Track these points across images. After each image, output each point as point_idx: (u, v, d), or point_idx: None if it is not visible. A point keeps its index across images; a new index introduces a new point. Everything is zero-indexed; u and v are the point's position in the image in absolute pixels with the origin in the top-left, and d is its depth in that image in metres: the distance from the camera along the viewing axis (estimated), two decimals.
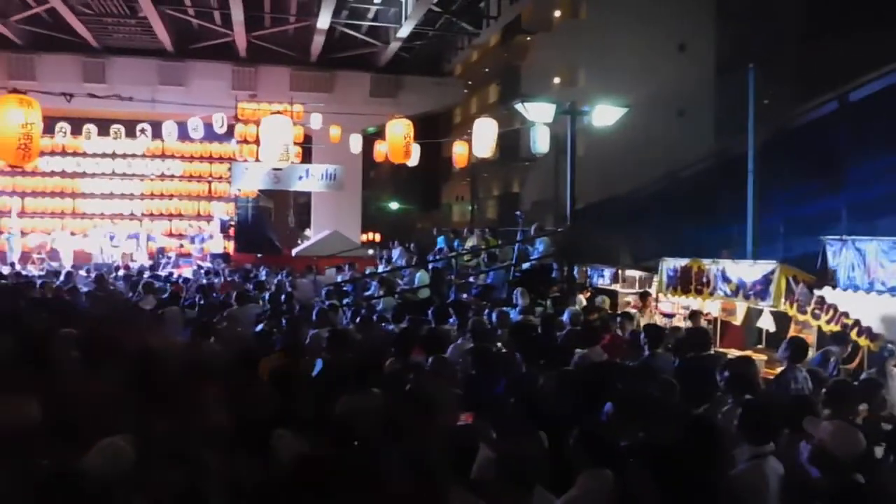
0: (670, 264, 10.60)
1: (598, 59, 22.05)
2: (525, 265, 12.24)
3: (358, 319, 8.38)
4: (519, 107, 12.54)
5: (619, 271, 12.16)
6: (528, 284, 10.65)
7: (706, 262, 10.00)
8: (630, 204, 13.21)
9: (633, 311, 10.41)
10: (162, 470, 3.73)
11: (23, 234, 22.39)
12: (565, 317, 8.10)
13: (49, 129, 21.29)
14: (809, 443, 4.18)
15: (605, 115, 11.97)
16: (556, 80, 26.79)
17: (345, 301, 10.43)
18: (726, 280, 9.59)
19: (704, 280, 10.02)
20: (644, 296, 10.65)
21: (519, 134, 23.33)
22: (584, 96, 14.68)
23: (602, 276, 12.44)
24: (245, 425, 4.14)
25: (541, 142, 14.58)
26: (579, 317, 8.12)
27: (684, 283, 10.41)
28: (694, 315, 9.11)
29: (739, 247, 11.70)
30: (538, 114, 12.36)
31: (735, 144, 15.42)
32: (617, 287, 12.16)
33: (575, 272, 11.64)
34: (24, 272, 16.79)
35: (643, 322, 9.16)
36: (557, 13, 28.99)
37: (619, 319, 9.09)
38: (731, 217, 13.05)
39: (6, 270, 16.65)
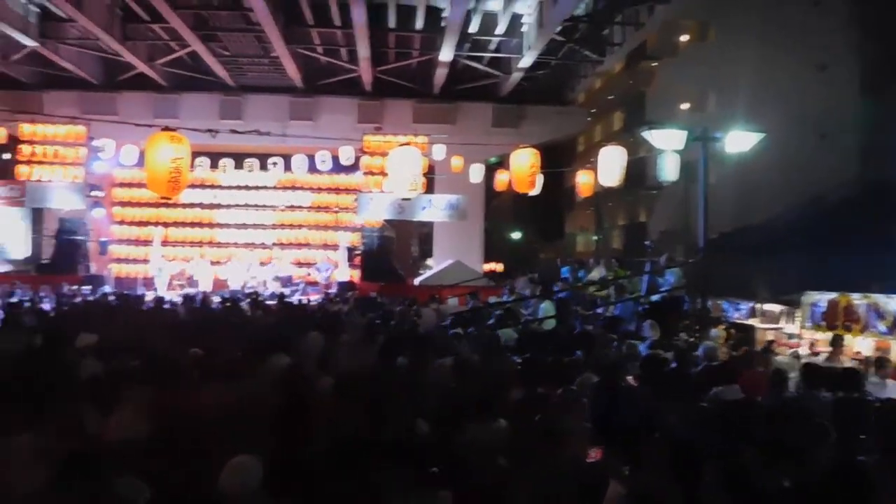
0: (815, 298, 9.90)
1: (729, 82, 21.10)
2: (654, 297, 11.78)
3: (482, 349, 8.26)
4: (646, 134, 12.18)
5: (757, 305, 11.45)
6: (657, 317, 10.22)
7: (855, 297, 9.25)
8: (768, 233, 12.43)
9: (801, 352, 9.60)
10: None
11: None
12: (700, 351, 7.68)
13: (189, 163, 22.61)
14: None
15: (739, 140, 11.42)
16: (684, 105, 25.96)
17: (468, 330, 10.34)
18: (881, 316, 8.83)
19: (854, 316, 9.28)
20: (836, 340, 9.14)
21: (645, 162, 22.72)
22: (715, 121, 14.05)
23: (738, 309, 11.75)
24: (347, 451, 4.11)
25: (669, 169, 14.15)
26: (715, 352, 7.67)
27: (831, 318, 9.69)
28: (881, 362, 7.76)
29: (893, 280, 10.74)
30: (666, 141, 11.97)
31: (885, 168, 14.32)
32: (754, 322, 11.45)
33: (708, 305, 11.06)
34: (165, 297, 17.80)
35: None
36: (685, 37, 28.20)
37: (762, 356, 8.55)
38: (881, 248, 12.02)
39: (149, 296, 17.67)
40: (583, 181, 19.74)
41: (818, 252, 10.28)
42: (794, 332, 10.60)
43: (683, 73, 26.37)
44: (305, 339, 8.17)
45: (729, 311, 11.87)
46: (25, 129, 22.60)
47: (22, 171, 22.57)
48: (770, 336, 10.81)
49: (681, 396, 6.05)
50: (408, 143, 16.36)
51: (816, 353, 9.60)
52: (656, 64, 29.91)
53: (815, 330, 9.98)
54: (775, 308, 11.10)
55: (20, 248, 22.46)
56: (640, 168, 25.11)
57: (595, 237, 35.91)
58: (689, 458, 4.02)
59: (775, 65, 19.48)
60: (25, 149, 22.61)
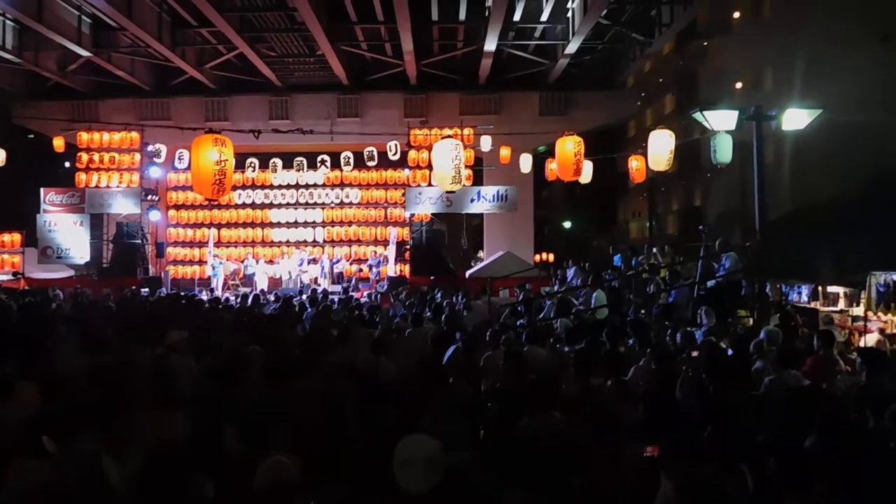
0: (881, 279, 9.47)
1: (787, 59, 20.34)
2: (710, 282, 11.44)
3: (533, 340, 8.11)
4: (698, 115, 11.81)
5: (819, 287, 11.02)
6: (714, 303, 9.93)
7: None
8: (831, 213, 11.92)
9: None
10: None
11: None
12: (762, 336, 7.39)
13: (240, 164, 23.00)
14: None
15: (795, 118, 10.98)
16: (739, 84, 25.25)
17: (519, 322, 10.20)
18: None
19: None
20: None
21: (699, 144, 22.17)
22: (773, 100, 13.60)
23: (799, 292, 11.34)
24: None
25: (723, 151, 13.72)
26: (778, 336, 7.37)
27: None
28: None
29: None
30: (719, 121, 11.57)
31: None
32: (817, 305, 11.03)
33: (767, 289, 10.68)
34: (221, 297, 18.09)
35: None
36: (737, 14, 27.39)
37: (816, 341, 8.21)
38: None
39: (206, 296, 17.97)
40: (634, 167, 19.32)
41: (883, 231, 9.84)
42: (858, 315, 10.17)
43: (737, 51, 25.66)
44: (357, 334, 8.18)
45: (790, 294, 11.47)
46: (83, 137, 23.23)
47: (81, 178, 23.21)
48: (835, 319, 10.41)
49: (740, 384, 5.83)
50: (451, 136, 16.20)
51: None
52: (708, 43, 29.16)
53: (883, 312, 9.55)
54: (839, 290, 10.67)
55: (82, 253, 23.09)
56: (693, 151, 24.55)
57: (648, 223, 35.29)
58: (749, 448, 3.86)
59: (834, 38, 18.73)
60: (84, 156, 23.23)
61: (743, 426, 4.45)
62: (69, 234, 22.94)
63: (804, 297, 11.40)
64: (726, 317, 9.80)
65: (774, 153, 18.45)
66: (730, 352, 7.12)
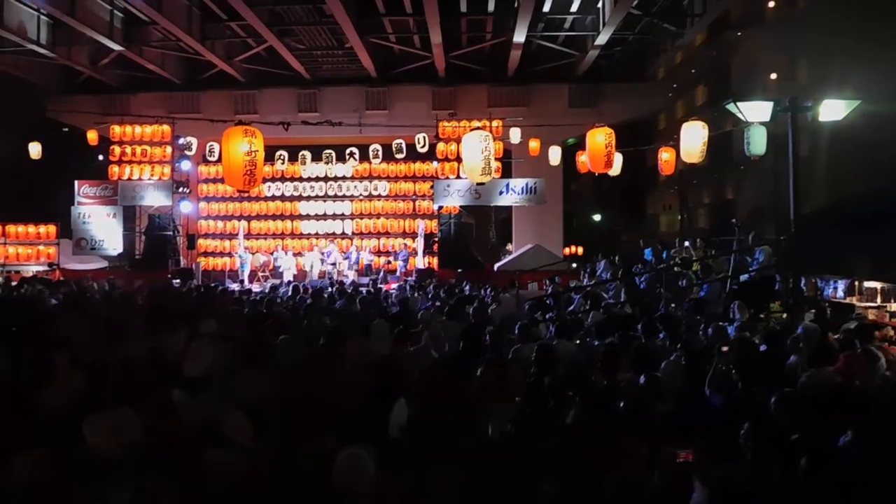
0: None
1: (823, 50, 19.92)
2: (743, 277, 11.27)
3: (563, 334, 8.05)
4: (731, 107, 11.61)
5: (856, 283, 10.79)
6: (746, 298, 9.78)
7: None
8: (868, 206, 11.64)
9: None
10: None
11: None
12: (800, 332, 7.26)
13: (269, 157, 23.11)
14: None
15: (833, 110, 10.75)
16: (773, 76, 24.83)
17: (548, 315, 10.14)
18: None
19: None
20: None
21: (731, 137, 21.86)
22: (808, 91, 13.31)
23: (835, 287, 11.11)
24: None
25: (756, 143, 13.52)
26: (816, 333, 7.22)
27: None
28: None
29: None
30: (753, 113, 11.38)
31: None
32: (853, 300, 10.81)
33: (802, 284, 10.48)
34: (251, 288, 18.26)
35: None
36: (771, 4, 26.91)
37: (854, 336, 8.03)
38: None
39: (235, 287, 18.15)
40: (664, 159, 19.10)
41: None
42: None
43: (771, 42, 25.24)
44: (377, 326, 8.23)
45: (825, 289, 11.25)
46: (115, 130, 23.54)
47: (114, 170, 23.54)
48: (872, 315, 10.19)
49: (772, 381, 5.72)
50: (480, 128, 16.14)
51: None
52: (741, 34, 28.71)
53: None
54: (876, 285, 10.43)
55: (115, 244, 23.42)
56: (725, 143, 24.17)
57: (679, 217, 34.95)
58: (783, 447, 3.79)
59: (870, 27, 18.28)
60: (116, 149, 23.55)
61: (773, 424, 4.38)
62: (102, 225, 23.28)
63: (840, 293, 11.18)
64: (759, 312, 9.65)
65: (809, 145, 18.14)
66: (763, 347, 7.00)
